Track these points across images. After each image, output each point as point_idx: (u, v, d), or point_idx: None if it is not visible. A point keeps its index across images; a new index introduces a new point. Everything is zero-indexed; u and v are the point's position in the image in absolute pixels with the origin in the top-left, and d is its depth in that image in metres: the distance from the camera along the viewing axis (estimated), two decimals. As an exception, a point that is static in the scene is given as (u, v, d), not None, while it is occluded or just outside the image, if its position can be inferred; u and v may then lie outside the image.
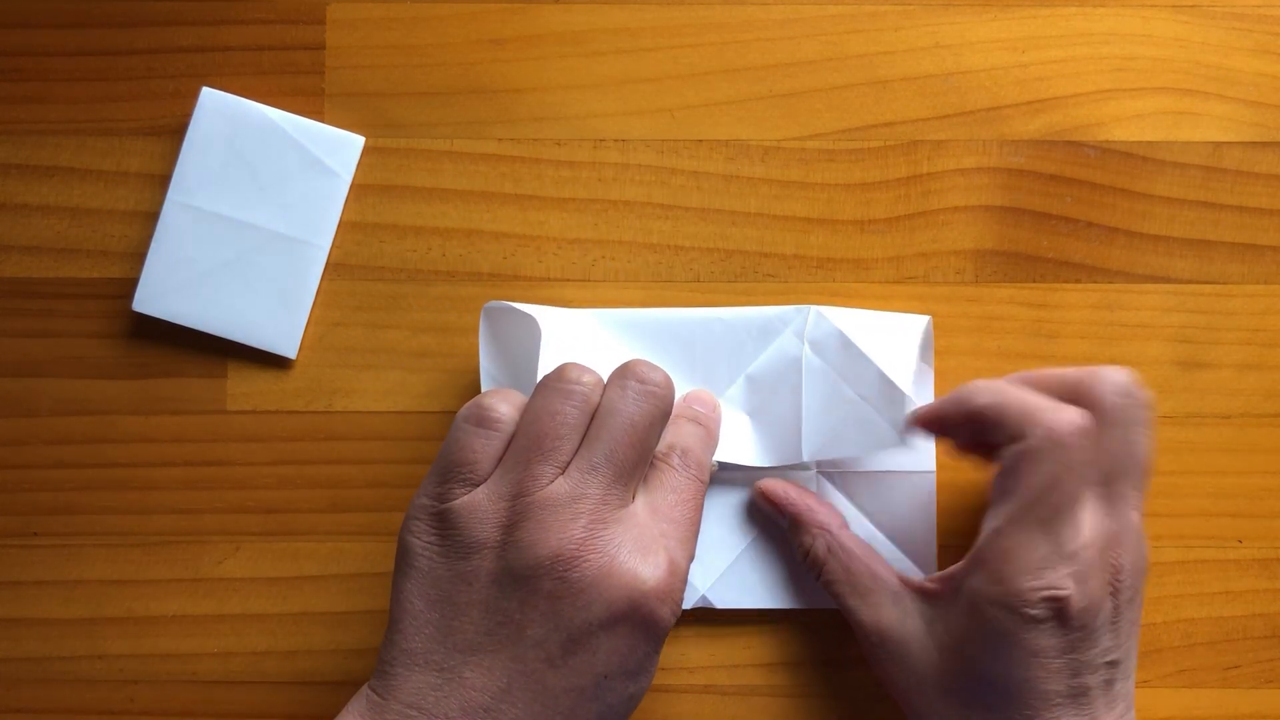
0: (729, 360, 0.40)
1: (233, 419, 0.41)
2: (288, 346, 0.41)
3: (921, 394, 0.40)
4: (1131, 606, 0.35)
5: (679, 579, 0.33)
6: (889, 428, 0.39)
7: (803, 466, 0.40)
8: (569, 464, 0.33)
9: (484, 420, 0.34)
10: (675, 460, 0.36)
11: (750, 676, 0.41)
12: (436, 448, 0.36)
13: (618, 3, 0.42)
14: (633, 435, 0.34)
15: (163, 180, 0.41)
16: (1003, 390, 0.35)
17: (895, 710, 0.40)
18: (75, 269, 0.41)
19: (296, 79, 0.42)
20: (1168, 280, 0.41)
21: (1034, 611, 0.33)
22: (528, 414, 0.34)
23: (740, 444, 0.40)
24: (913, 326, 0.40)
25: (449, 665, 0.32)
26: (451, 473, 0.34)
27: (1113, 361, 0.41)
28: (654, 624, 0.33)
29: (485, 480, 0.34)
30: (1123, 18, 0.42)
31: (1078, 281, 0.41)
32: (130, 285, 0.41)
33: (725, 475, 0.40)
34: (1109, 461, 0.34)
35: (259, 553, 0.41)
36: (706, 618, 0.41)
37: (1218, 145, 0.41)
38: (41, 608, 0.41)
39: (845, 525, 0.39)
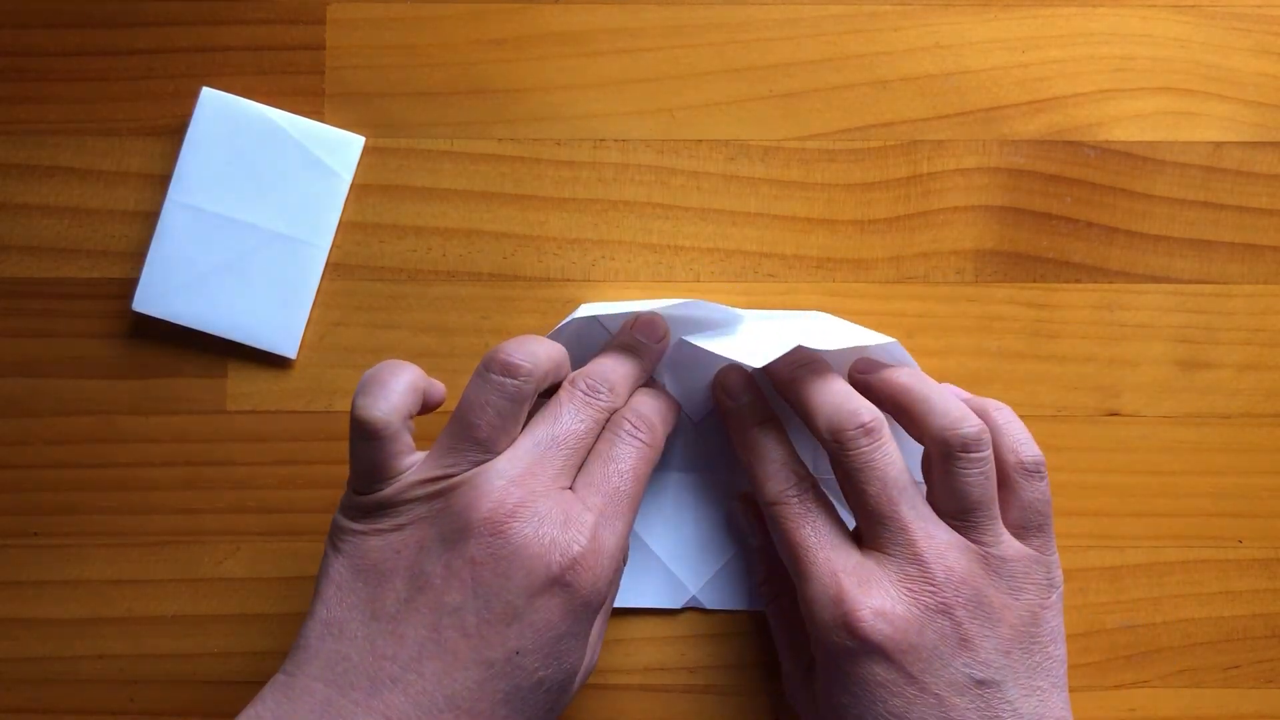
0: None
1: (233, 419, 0.41)
2: (288, 346, 0.41)
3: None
4: (989, 623, 0.33)
5: (604, 553, 0.33)
6: None
7: None
8: (505, 447, 0.34)
9: (369, 434, 0.33)
10: (625, 426, 0.36)
11: (750, 676, 0.41)
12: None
13: (618, 3, 0.42)
14: (576, 432, 0.35)
15: (163, 180, 0.41)
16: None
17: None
18: (75, 269, 0.41)
19: (296, 79, 0.42)
20: (1168, 280, 0.41)
21: (848, 643, 0.33)
22: (462, 404, 0.34)
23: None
24: (884, 349, 0.39)
25: (364, 634, 0.32)
26: (364, 483, 0.34)
27: (1113, 361, 0.41)
28: (572, 597, 0.32)
29: (406, 471, 0.34)
30: (1123, 18, 0.42)
31: (1078, 281, 0.41)
32: (130, 285, 0.41)
33: (721, 479, 0.40)
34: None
35: (259, 553, 0.41)
36: (706, 618, 0.41)
37: (1218, 145, 0.41)
38: (41, 608, 0.41)
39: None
